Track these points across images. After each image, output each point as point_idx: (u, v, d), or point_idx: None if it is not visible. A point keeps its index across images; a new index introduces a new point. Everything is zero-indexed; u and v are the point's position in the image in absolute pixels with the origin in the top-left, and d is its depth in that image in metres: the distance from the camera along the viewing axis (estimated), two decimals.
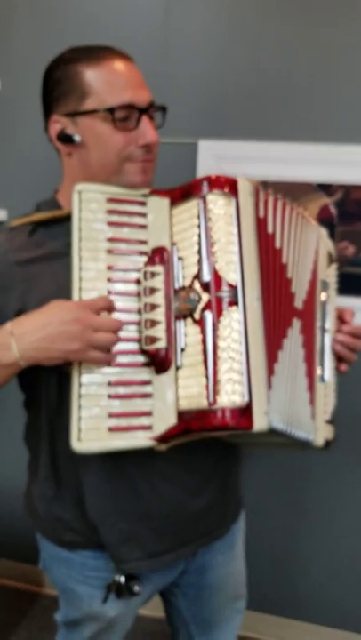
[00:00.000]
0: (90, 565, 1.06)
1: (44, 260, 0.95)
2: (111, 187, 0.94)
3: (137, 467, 0.97)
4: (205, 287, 0.86)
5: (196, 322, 0.87)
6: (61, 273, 0.90)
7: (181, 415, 0.86)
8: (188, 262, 0.90)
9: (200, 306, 0.86)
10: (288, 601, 1.89)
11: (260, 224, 0.92)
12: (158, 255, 0.92)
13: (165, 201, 0.94)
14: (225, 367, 0.83)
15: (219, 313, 0.85)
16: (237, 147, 1.59)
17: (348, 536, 1.79)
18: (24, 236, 0.97)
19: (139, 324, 0.90)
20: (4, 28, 1.75)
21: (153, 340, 0.89)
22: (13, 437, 1.77)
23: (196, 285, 0.88)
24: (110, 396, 0.87)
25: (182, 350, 0.88)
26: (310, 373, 0.98)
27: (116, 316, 0.88)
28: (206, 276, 0.87)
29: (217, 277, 0.86)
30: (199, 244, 0.88)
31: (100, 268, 0.90)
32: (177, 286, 0.90)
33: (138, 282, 0.91)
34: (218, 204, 0.89)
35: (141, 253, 0.93)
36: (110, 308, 0.87)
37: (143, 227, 0.94)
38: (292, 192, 1.58)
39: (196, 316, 0.87)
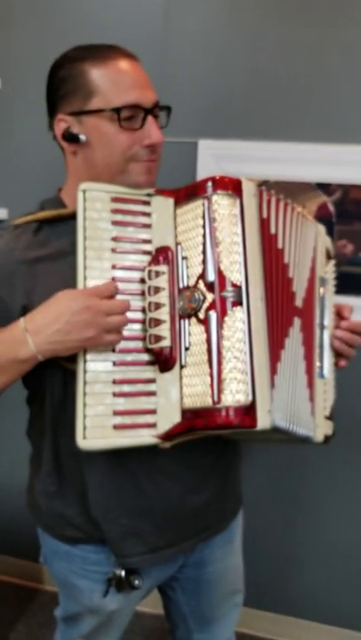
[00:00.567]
0: (91, 560, 1.07)
1: (50, 259, 0.95)
2: (115, 186, 0.95)
3: (139, 463, 0.98)
4: (210, 287, 0.87)
5: (200, 321, 0.88)
6: (67, 272, 0.91)
7: (185, 413, 0.87)
8: (192, 262, 0.91)
9: (205, 305, 0.87)
10: (283, 598, 1.90)
11: (264, 225, 0.93)
12: (163, 254, 0.93)
13: (170, 201, 0.95)
14: (229, 366, 0.84)
15: (223, 313, 0.86)
16: (237, 146, 1.60)
17: (345, 533, 1.81)
18: (29, 234, 0.97)
19: (143, 322, 0.91)
20: (4, 28, 1.75)
21: (157, 338, 0.90)
22: (12, 435, 1.77)
23: (201, 285, 0.88)
24: (115, 394, 0.88)
25: (186, 349, 0.89)
26: (310, 370, 0.99)
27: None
28: (211, 276, 0.88)
29: (221, 277, 0.87)
30: (204, 243, 0.89)
31: (104, 266, 0.91)
32: (181, 286, 0.91)
33: (142, 281, 0.92)
34: (222, 204, 0.89)
35: (145, 253, 0.94)
36: (115, 292, 0.88)
37: (147, 226, 0.95)
38: (291, 191, 1.59)
39: (201, 315, 0.87)
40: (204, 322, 0.87)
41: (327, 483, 1.78)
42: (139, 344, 0.91)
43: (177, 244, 0.93)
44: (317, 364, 1.02)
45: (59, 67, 0.96)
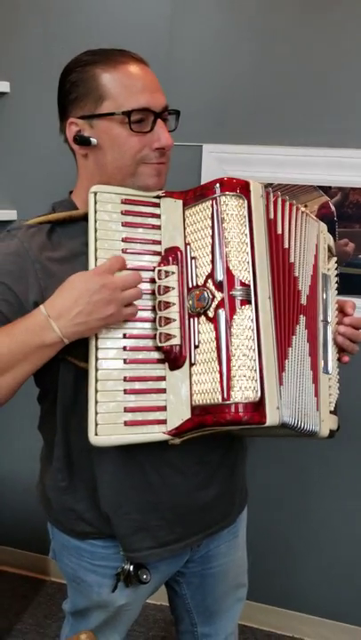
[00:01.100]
0: (100, 554, 1.08)
1: (64, 261, 0.97)
2: (126, 188, 0.97)
3: (149, 459, 1.00)
4: (219, 286, 0.89)
5: (209, 320, 0.89)
6: (81, 271, 0.92)
7: (195, 410, 0.89)
8: (201, 262, 0.93)
9: (214, 304, 0.89)
10: (285, 592, 1.92)
11: (271, 225, 0.96)
12: (172, 255, 0.95)
13: (179, 202, 0.97)
14: (238, 364, 0.86)
15: (232, 311, 0.88)
16: (240, 150, 1.64)
17: (346, 529, 1.82)
18: (43, 235, 0.99)
19: (153, 321, 0.93)
20: (14, 34, 1.77)
21: (167, 337, 0.92)
22: (21, 432, 1.79)
23: (210, 284, 0.90)
24: (126, 392, 0.89)
25: (196, 347, 0.91)
26: (315, 366, 1.01)
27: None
28: (220, 276, 0.90)
29: (230, 276, 0.89)
30: (212, 244, 0.91)
31: None
32: (191, 285, 0.93)
33: (152, 281, 0.94)
34: (231, 205, 0.92)
35: (155, 253, 0.96)
36: (124, 265, 0.90)
37: (157, 227, 0.97)
38: (293, 191, 1.62)
39: (210, 314, 0.89)
40: (214, 320, 0.89)
41: (331, 477, 1.80)
42: (149, 342, 0.92)
43: (186, 244, 0.95)
44: (322, 359, 1.04)
45: (70, 71, 0.98)
